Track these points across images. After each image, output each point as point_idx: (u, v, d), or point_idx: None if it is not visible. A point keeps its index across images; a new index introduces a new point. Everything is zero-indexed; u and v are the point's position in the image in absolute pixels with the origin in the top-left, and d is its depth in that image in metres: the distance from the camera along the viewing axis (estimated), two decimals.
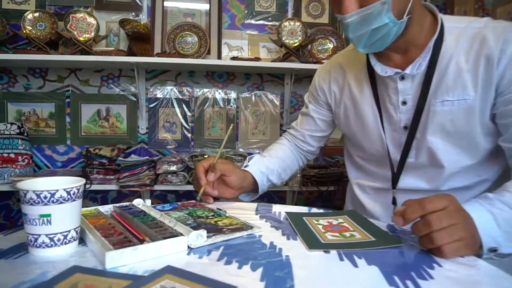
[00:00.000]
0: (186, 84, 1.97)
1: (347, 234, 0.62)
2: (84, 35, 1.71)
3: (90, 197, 1.94)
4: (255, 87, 2.01)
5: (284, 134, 1.08)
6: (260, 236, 0.61)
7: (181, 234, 0.55)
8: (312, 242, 0.58)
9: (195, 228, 0.62)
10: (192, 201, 0.83)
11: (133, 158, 1.77)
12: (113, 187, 1.66)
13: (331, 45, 1.91)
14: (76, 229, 0.54)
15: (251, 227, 0.63)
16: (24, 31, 1.69)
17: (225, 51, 1.92)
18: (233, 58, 1.80)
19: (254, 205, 0.82)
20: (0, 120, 1.83)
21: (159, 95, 1.94)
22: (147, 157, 1.72)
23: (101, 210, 0.71)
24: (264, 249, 0.55)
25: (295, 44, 1.84)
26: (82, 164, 1.85)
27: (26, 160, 1.71)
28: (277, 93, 2.01)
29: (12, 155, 1.66)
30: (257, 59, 1.81)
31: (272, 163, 0.95)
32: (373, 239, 0.60)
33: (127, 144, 1.91)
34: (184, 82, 1.96)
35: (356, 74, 0.89)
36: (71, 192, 0.52)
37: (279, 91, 2.02)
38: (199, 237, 0.55)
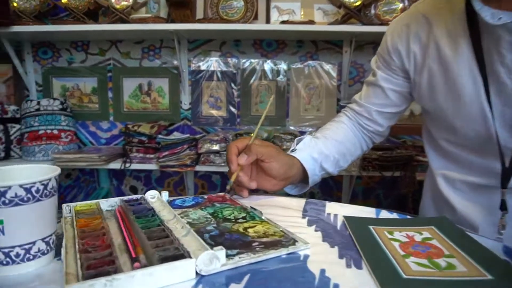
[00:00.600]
0: (232, 55, 1.78)
1: (442, 262, 0.40)
2: (122, 3, 1.58)
3: (134, 175, 1.88)
4: (309, 56, 1.76)
5: (343, 110, 0.85)
6: (306, 258, 0.41)
7: (188, 255, 0.38)
8: (387, 276, 0.37)
9: (215, 239, 0.44)
10: (222, 193, 0.65)
11: (176, 135, 1.65)
12: (153, 166, 1.55)
13: (400, 5, 1.59)
14: (48, 239, 0.39)
15: (294, 241, 0.44)
16: (63, 1, 1.61)
17: (274, 15, 1.69)
18: (283, 22, 1.57)
19: (302, 202, 0.62)
20: (46, 96, 1.80)
21: (202, 67, 1.78)
22: (188, 135, 1.59)
23: (105, 205, 0.56)
24: (311, 282, 0.36)
25: (357, 4, 1.55)
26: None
27: (70, 137, 1.67)
28: (334, 63, 1.75)
29: (55, 132, 1.62)
30: (311, 22, 1.56)
31: (327, 146, 0.74)
32: (488, 275, 0.37)
33: (169, 121, 1.79)
34: (229, 52, 1.78)
35: (448, 26, 0.63)
36: (33, 190, 0.37)
37: (337, 60, 1.75)
38: (214, 260, 0.37)
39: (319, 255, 0.42)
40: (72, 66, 1.80)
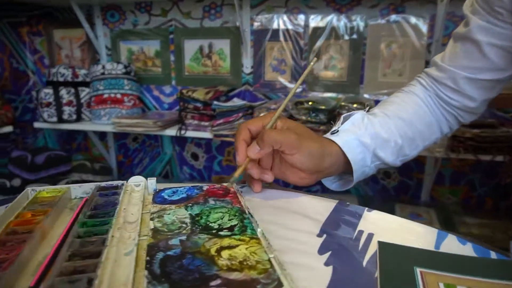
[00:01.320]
0: (299, 11, 1.56)
1: None
2: None
3: (195, 142, 1.84)
4: (392, 9, 1.45)
5: (417, 77, 0.62)
6: None
7: None
8: None
9: (165, 265, 0.31)
10: (228, 184, 0.51)
11: (235, 102, 1.54)
12: (207, 135, 1.47)
13: None
14: None
15: (278, 285, 0.28)
16: None
17: None
18: None
19: (330, 206, 0.44)
20: (114, 60, 1.82)
21: (265, 25, 1.60)
22: (244, 102, 1.46)
23: (77, 191, 0.46)
24: None
25: None
26: None
27: (133, 101, 1.67)
28: (425, 17, 1.41)
29: (118, 96, 1.63)
30: None
31: (387, 127, 0.53)
32: None
33: (230, 86, 1.68)
34: (296, 7, 1.56)
35: None
36: None
37: (428, 13, 1.41)
38: None
39: None
40: (137, 29, 1.77)
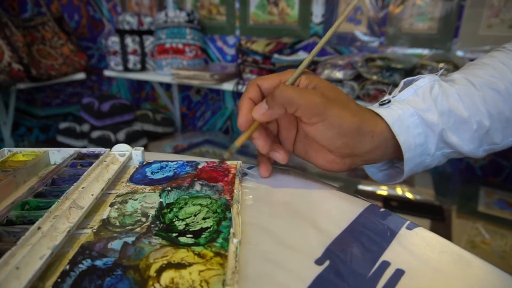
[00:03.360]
0: None
1: None
2: None
3: None
4: None
5: (503, 47, 0.41)
6: None
7: None
8: None
9: (75, 284, 0.22)
10: (234, 162, 0.40)
11: (300, 56, 1.38)
12: None
13: None
14: None
15: None
16: None
17: None
18: None
19: (358, 209, 0.31)
20: (181, 7, 1.75)
21: None
22: (306, 55, 1.29)
23: (56, 156, 0.40)
24: None
25: None
26: None
27: (194, 52, 1.61)
28: None
29: (180, 46, 1.58)
30: None
31: (471, 101, 0.36)
32: None
33: (298, 37, 1.50)
34: None
35: None
36: None
37: None
38: None
39: None
40: None
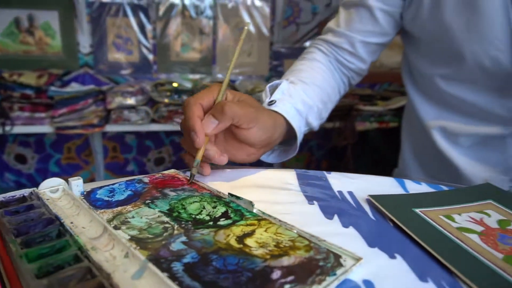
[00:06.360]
0: None
1: None
2: None
3: (19, 140, 1.46)
4: None
5: (314, 44, 0.66)
6: (370, 286, 0.23)
7: None
8: None
9: (197, 275, 0.23)
10: (170, 171, 0.43)
11: (74, 87, 1.29)
12: (47, 128, 1.19)
13: None
14: None
15: (336, 257, 0.25)
16: None
17: None
18: None
19: (291, 175, 0.43)
20: None
21: None
22: (92, 86, 1.25)
23: None
24: None
25: None
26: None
27: None
28: (267, 0, 1.52)
29: None
30: None
31: (309, 94, 0.55)
32: None
33: (64, 68, 1.39)
34: None
35: None
36: None
37: None
38: None
39: (383, 277, 0.24)
40: None
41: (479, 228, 0.31)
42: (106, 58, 1.44)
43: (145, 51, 1.46)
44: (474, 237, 0.30)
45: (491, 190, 0.39)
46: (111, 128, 1.24)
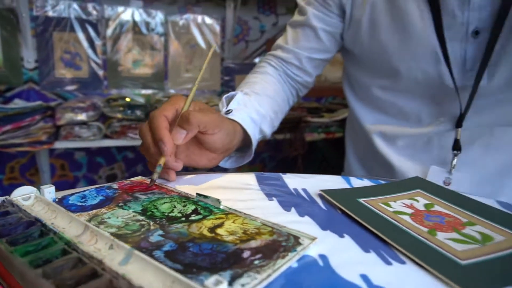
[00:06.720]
0: None
1: (472, 232, 0.33)
2: None
3: None
4: (189, 8, 1.55)
5: (265, 59, 0.72)
6: (325, 260, 0.28)
7: None
8: (449, 269, 0.27)
9: (178, 258, 0.26)
10: (137, 178, 0.45)
11: (18, 103, 1.24)
12: None
13: None
14: None
15: (295, 239, 0.30)
16: None
17: None
18: None
19: (251, 177, 0.47)
20: None
21: (50, 13, 1.36)
22: (39, 102, 1.21)
23: None
24: None
25: None
26: None
27: None
28: (217, 17, 1.58)
29: None
30: None
31: (262, 104, 0.60)
32: None
33: (6, 84, 1.33)
34: None
35: None
36: None
37: (220, 14, 1.59)
38: None
39: (334, 251, 0.29)
40: None
41: (410, 211, 0.37)
42: (53, 74, 1.40)
43: (95, 66, 1.44)
44: (406, 218, 0.36)
45: (419, 182, 0.46)
46: (61, 144, 1.21)
